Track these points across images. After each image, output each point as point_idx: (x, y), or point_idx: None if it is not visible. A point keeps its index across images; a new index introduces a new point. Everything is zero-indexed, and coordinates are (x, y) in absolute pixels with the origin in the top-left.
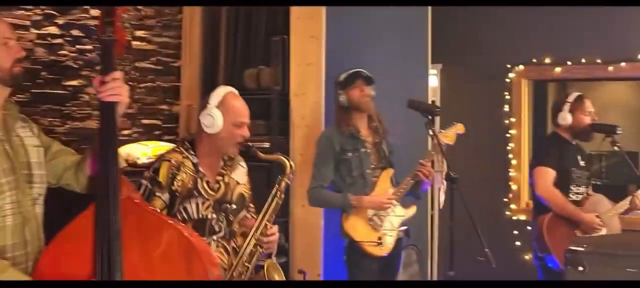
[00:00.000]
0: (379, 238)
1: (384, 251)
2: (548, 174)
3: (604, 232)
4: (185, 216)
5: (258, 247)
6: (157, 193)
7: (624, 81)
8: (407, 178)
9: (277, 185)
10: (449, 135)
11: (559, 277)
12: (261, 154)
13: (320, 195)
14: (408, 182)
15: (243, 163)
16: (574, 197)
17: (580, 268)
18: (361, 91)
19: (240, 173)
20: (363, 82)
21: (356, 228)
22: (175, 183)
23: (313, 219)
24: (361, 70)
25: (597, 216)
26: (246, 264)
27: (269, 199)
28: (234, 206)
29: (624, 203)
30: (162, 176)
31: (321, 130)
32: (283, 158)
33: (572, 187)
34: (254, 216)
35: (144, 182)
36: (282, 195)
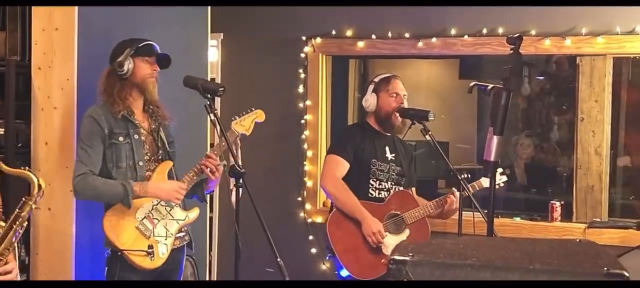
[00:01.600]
0: (150, 247)
1: (155, 263)
2: (336, 163)
3: (387, 242)
4: None
5: None
6: None
7: (435, 59)
8: (190, 173)
9: (18, 210)
10: (246, 124)
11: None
12: (5, 167)
13: (92, 182)
14: (192, 177)
15: None
16: (374, 194)
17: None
18: (153, 68)
19: None
20: (156, 60)
21: (121, 234)
22: None
23: (61, 226)
24: (155, 45)
25: (385, 224)
26: None
27: (7, 226)
28: None
29: (431, 204)
30: None
31: (73, 113)
32: (30, 174)
33: (371, 182)
34: None
35: None
36: (25, 223)
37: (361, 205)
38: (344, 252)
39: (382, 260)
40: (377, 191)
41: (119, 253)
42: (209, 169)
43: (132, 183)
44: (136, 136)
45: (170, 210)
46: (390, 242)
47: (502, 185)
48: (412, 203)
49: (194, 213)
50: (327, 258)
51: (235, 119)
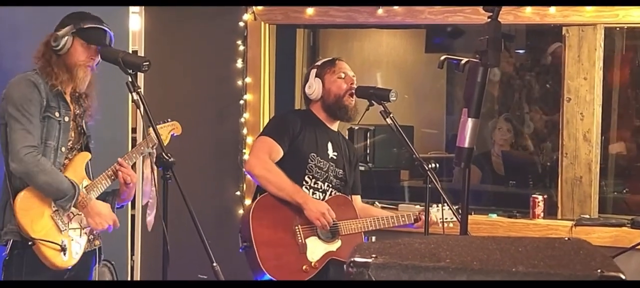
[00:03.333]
0: (63, 243)
1: (69, 262)
2: (269, 146)
3: (313, 248)
4: None
5: None
6: None
7: (397, 29)
8: (103, 175)
9: None
10: (163, 134)
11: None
12: None
13: (43, 164)
14: (103, 182)
15: None
16: (308, 193)
17: None
18: (90, 56)
19: None
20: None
21: (36, 221)
22: None
23: None
24: (107, 30)
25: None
26: None
27: None
28: None
29: (383, 218)
30: None
31: None
32: None
33: (306, 178)
34: None
35: None
36: None
37: (300, 189)
38: (262, 244)
39: (304, 267)
40: (311, 190)
41: (30, 243)
42: (122, 176)
43: (80, 188)
44: (66, 118)
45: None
46: (317, 248)
47: (452, 221)
48: (350, 212)
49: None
50: (240, 250)
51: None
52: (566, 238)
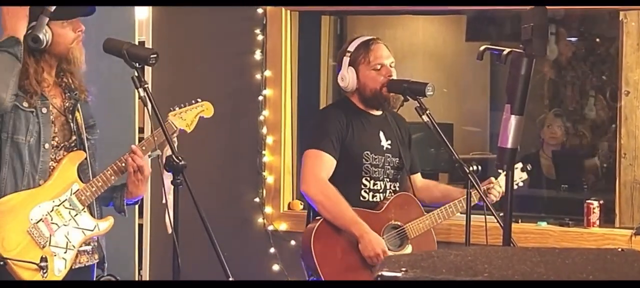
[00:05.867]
0: (43, 260)
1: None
2: (319, 161)
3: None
4: None
5: None
6: None
7: (435, 16)
8: (107, 171)
9: None
10: (187, 118)
11: None
12: None
13: None
14: (108, 177)
15: None
16: (368, 196)
17: None
18: (78, 30)
19: None
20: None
21: (6, 238)
22: None
23: None
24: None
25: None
26: None
27: None
28: None
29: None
30: None
31: None
32: None
33: (364, 181)
34: None
35: None
36: None
37: (358, 217)
38: (331, 274)
39: None
40: (371, 193)
41: (2, 263)
42: (131, 164)
43: None
44: (44, 110)
45: (76, 215)
46: None
47: (521, 184)
48: (414, 211)
49: (106, 223)
50: (308, 279)
51: (173, 109)
52: (620, 249)
